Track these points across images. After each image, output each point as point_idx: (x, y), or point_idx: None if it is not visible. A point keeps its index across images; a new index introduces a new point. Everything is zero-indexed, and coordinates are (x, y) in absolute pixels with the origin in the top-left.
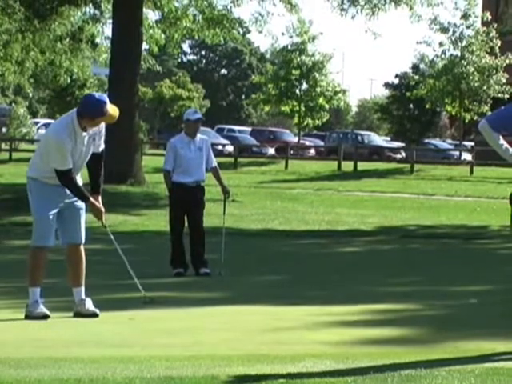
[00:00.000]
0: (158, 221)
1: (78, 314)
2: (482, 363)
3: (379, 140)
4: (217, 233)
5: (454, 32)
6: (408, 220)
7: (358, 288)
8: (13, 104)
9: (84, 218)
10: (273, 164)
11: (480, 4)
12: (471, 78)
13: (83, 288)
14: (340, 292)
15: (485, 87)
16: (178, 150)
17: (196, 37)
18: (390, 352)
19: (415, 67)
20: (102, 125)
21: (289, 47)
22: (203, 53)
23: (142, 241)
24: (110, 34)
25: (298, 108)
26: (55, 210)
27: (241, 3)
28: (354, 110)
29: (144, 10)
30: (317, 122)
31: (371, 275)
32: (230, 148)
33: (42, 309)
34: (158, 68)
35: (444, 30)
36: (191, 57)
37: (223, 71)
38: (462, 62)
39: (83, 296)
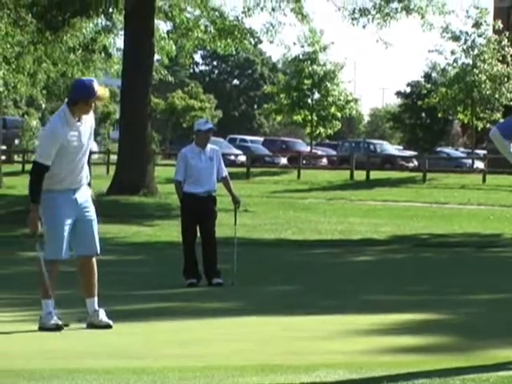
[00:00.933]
0: (170, 231)
1: (91, 325)
2: (496, 371)
3: (391, 149)
4: (229, 243)
5: (465, 40)
6: (421, 229)
7: (372, 297)
8: (25, 116)
9: (97, 228)
10: (285, 174)
11: (491, 12)
12: (483, 86)
13: (96, 299)
14: (353, 301)
15: (497, 95)
16: (188, 161)
17: (208, 47)
18: (404, 361)
19: (427, 76)
20: (93, 122)
21: (300, 57)
22: (215, 63)
23: (155, 251)
24: (121, 45)
25: (310, 117)
26: (69, 223)
27: (252, 14)
28: (366, 119)
29: (155, 21)
30: (329, 131)
31: (384, 284)
32: (242, 158)
33: (56, 320)
34: (170, 79)
35: (456, 38)
36: (203, 67)
37: (235, 81)
38: (474, 70)
39: (96, 307)
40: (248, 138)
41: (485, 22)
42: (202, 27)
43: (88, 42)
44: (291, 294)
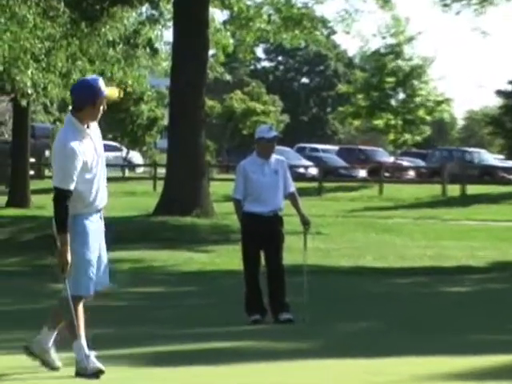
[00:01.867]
0: (229, 258)
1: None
2: None
3: (491, 158)
4: (298, 271)
5: None
6: None
7: (467, 335)
8: (57, 123)
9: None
10: (364, 189)
11: None
12: None
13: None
14: (445, 340)
15: None
16: (249, 175)
17: (271, 40)
18: None
19: None
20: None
21: (382, 50)
22: (280, 59)
23: (211, 282)
24: (170, 39)
25: (393, 122)
26: (97, 253)
27: (324, 0)
28: (461, 123)
29: (210, 9)
30: (416, 138)
31: (482, 320)
32: (313, 170)
33: (95, 363)
34: (228, 77)
35: None
36: (266, 64)
37: (304, 80)
38: None
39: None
40: (320, 146)
41: None
42: (265, 16)
43: (130, 34)
44: (373, 331)
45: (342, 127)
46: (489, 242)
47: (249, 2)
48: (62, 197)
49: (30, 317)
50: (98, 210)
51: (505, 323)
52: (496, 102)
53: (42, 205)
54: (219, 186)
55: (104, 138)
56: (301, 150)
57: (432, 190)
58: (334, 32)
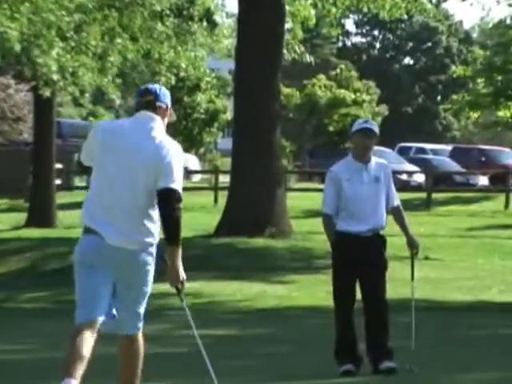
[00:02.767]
0: (312, 291)
1: None
2: None
3: None
4: (404, 307)
5: None
6: None
7: None
8: (90, 118)
9: None
10: (486, 201)
11: None
12: None
13: None
14: None
15: None
16: (343, 184)
17: (364, 10)
18: None
19: None
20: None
21: (508, 21)
22: (376, 33)
23: (290, 322)
24: (234, 9)
25: None
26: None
27: None
28: None
29: None
30: None
31: None
32: (419, 177)
33: None
34: (309, 59)
35: None
36: (358, 39)
37: (407, 61)
38: None
39: None
40: (428, 146)
41: None
42: None
43: (183, 4)
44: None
45: (456, 121)
46: None
47: None
48: (180, 203)
49: (50, 367)
50: None
51: None
52: None
53: (71, 224)
54: (299, 198)
55: None
56: (404, 151)
57: None
58: None
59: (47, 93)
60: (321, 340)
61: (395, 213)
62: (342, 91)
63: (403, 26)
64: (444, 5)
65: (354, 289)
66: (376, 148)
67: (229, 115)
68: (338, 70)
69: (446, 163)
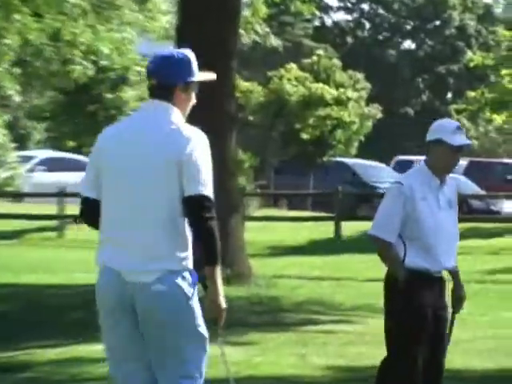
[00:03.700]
0: (280, 355)
1: None
2: None
3: None
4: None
5: None
6: None
7: None
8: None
9: None
10: None
11: None
12: None
13: None
14: None
15: None
16: (416, 202)
17: None
18: None
19: None
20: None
21: None
22: (365, 8)
23: None
24: None
25: None
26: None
27: None
28: None
29: None
30: None
31: None
32: None
33: None
34: (275, 42)
35: None
36: (341, 16)
37: (407, 45)
38: None
39: None
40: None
41: None
42: None
43: None
44: None
45: (473, 127)
46: None
47: None
48: (213, 211)
49: None
50: None
51: None
52: None
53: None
54: (261, 230)
55: (61, 149)
56: (402, 167)
57: None
58: None
59: None
60: None
61: None
62: (320, 86)
63: None
64: None
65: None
66: (365, 163)
67: None
68: (315, 58)
69: (459, 183)
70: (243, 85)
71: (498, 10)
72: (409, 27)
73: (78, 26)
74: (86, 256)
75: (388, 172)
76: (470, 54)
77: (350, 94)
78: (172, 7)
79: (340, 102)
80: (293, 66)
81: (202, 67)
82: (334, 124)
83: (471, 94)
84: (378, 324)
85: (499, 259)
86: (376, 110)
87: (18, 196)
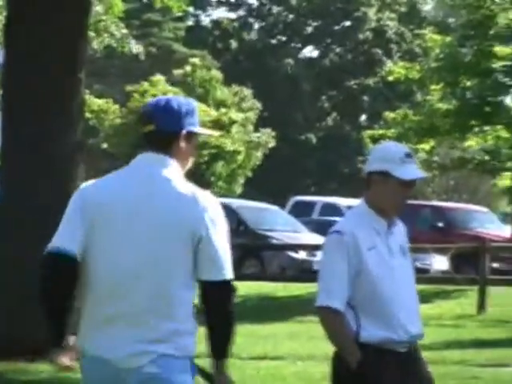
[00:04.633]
0: None
1: None
2: None
3: None
4: None
5: None
6: None
7: None
8: None
9: None
10: (445, 299)
11: None
12: None
13: None
14: None
15: None
16: (362, 253)
17: None
18: None
19: None
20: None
21: None
22: (253, 3)
23: None
24: None
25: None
26: None
27: None
28: None
29: None
30: None
31: None
32: None
33: None
34: (136, 49)
35: None
36: (222, 13)
37: (308, 51)
38: None
39: None
40: (343, 201)
41: None
42: None
43: None
44: None
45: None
46: None
47: None
48: (234, 298)
49: None
50: None
51: None
52: None
53: None
54: None
55: None
56: (302, 210)
57: None
58: None
59: None
60: None
61: None
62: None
63: None
64: None
65: None
66: (253, 205)
67: None
68: (188, 68)
69: None
70: (95, 102)
71: (426, 8)
72: (310, 29)
73: None
74: None
75: (282, 216)
76: (389, 64)
77: (234, 115)
78: None
79: (221, 126)
80: (160, 78)
81: (38, 81)
82: (213, 154)
83: (391, 115)
84: None
85: (429, 332)
86: (267, 137)
87: None
